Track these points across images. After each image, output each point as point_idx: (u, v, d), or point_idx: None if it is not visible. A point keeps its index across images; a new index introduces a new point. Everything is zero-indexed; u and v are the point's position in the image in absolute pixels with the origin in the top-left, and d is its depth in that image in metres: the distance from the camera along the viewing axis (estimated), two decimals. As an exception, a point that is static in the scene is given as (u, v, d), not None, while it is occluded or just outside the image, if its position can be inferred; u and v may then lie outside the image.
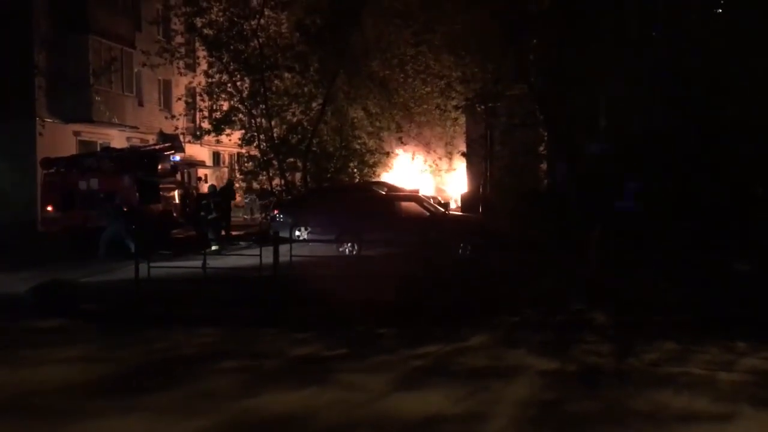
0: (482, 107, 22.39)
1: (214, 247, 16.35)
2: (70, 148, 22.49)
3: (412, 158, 31.55)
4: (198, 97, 25.62)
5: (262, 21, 23.02)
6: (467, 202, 23.57)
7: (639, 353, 7.58)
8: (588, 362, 7.33)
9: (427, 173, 31.40)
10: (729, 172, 14.47)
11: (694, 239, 13.56)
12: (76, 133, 23.93)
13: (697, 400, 6.05)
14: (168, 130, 27.46)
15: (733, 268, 12.45)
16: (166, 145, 22.93)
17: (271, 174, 23.88)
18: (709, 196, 14.42)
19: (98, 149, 22.74)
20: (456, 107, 23.74)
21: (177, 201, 19.30)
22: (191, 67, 27.59)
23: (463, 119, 25.87)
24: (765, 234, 13.38)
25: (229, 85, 23.54)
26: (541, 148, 21.07)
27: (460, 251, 15.28)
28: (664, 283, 11.11)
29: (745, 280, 11.52)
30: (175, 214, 18.88)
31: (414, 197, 17.87)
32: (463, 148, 25.88)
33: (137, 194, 17.23)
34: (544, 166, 21.69)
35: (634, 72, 15.59)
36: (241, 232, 21.42)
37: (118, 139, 25.32)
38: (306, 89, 24.04)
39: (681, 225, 14.08)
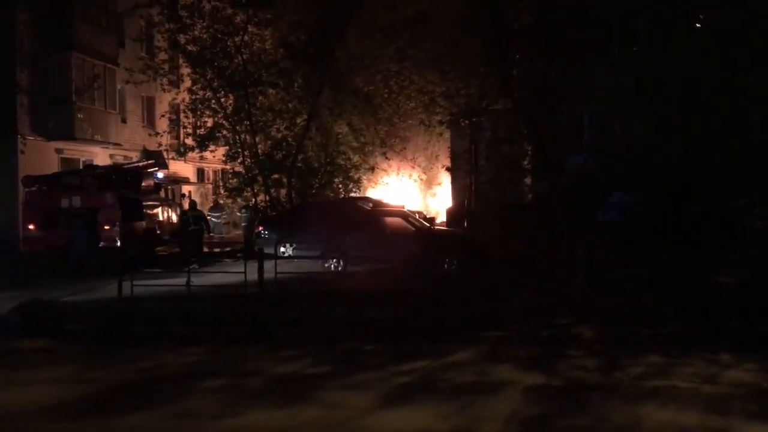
0: (466, 122, 22.51)
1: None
2: (52, 166, 22.30)
3: (398, 173, 31.57)
4: (182, 114, 25.56)
5: (245, 37, 23.02)
6: (453, 217, 23.62)
7: (625, 367, 7.59)
8: (574, 377, 7.32)
9: (412, 188, 31.46)
10: (711, 185, 14.59)
11: (678, 252, 13.64)
12: (59, 151, 23.75)
13: (682, 414, 6.05)
14: (152, 146, 27.31)
15: (716, 280, 12.53)
16: (150, 162, 22.83)
17: (255, 190, 23.81)
18: (693, 209, 14.52)
19: (81, 167, 22.59)
20: (440, 122, 23.84)
21: (161, 218, 19.19)
22: (175, 84, 27.53)
23: (447, 134, 25.98)
24: (748, 246, 13.49)
25: (213, 101, 23.49)
26: (526, 163, 21.17)
27: (445, 266, 15.28)
28: (649, 297, 11.15)
29: (728, 293, 11.58)
30: (159, 231, 18.75)
31: (399, 212, 17.87)
32: (448, 162, 25.98)
33: (120, 212, 17.09)
34: (528, 180, 21.80)
35: (616, 88, 15.75)
36: (227, 249, 21.34)
37: (101, 156, 25.17)
38: (290, 105, 24.02)
39: (665, 238, 14.16)
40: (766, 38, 13.81)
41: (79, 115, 23.35)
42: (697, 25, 15.47)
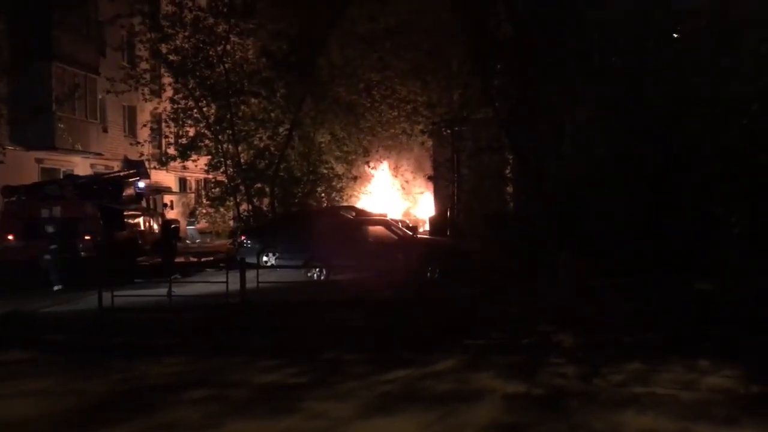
0: (448, 131, 22.65)
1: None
2: (32, 176, 22.14)
3: (381, 183, 31.67)
4: (163, 123, 25.48)
5: (227, 47, 23.04)
6: (435, 226, 23.72)
7: (605, 374, 7.65)
8: (554, 384, 7.37)
9: (395, 197, 31.55)
10: (690, 193, 14.76)
11: (658, 260, 13.78)
12: (39, 161, 23.58)
13: (661, 420, 6.12)
14: (133, 156, 27.11)
15: (696, 288, 12.67)
16: (131, 171, 22.67)
17: (238, 199, 23.77)
18: (672, 217, 14.68)
19: (61, 176, 22.42)
20: (422, 131, 23.97)
21: (143, 228, 19.07)
22: (156, 93, 27.46)
23: (429, 143, 26.11)
24: (726, 254, 13.65)
25: (195, 110, 23.46)
26: (507, 171, 21.31)
27: (428, 275, 15.33)
28: (629, 305, 11.26)
29: (707, 300, 11.72)
30: (140, 242, 18.64)
31: (382, 221, 17.92)
32: (430, 171, 26.10)
33: (101, 222, 16.98)
34: (510, 189, 21.93)
35: (597, 99, 15.90)
36: (210, 258, 21.25)
37: (81, 166, 25.02)
38: (273, 114, 24.05)
39: (645, 246, 14.30)
40: (745, 47, 14.04)
41: (59, 125, 23.21)
42: (675, 35, 15.69)
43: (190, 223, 26.26)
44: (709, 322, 9.90)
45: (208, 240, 27.89)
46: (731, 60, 14.00)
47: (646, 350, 8.64)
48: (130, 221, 18.50)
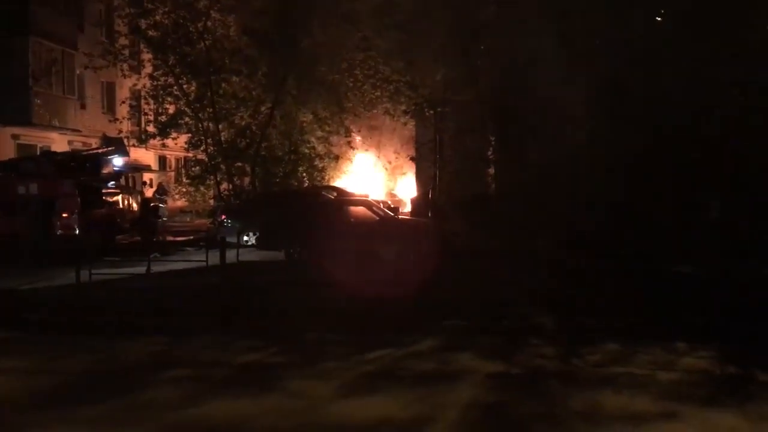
0: (431, 112, 22.59)
1: None
2: (8, 152, 21.79)
3: (363, 163, 31.58)
4: (143, 100, 25.14)
5: (208, 23, 22.72)
6: (417, 207, 23.72)
7: (583, 355, 7.73)
8: (534, 365, 7.43)
9: (377, 178, 31.49)
10: (670, 179, 14.90)
11: (639, 244, 13.92)
12: (15, 137, 23.18)
13: (637, 399, 6.20)
14: (112, 133, 26.83)
15: (674, 271, 12.82)
16: (110, 149, 22.42)
17: (219, 178, 23.59)
18: (652, 202, 14.81)
19: (38, 153, 22.09)
20: (405, 112, 23.88)
21: (122, 206, 18.89)
22: (136, 70, 27.07)
23: (412, 124, 26.03)
24: (703, 238, 13.83)
25: (175, 87, 23.16)
26: (489, 153, 21.34)
27: (410, 256, 15.34)
28: (609, 287, 11.36)
29: (685, 283, 11.86)
30: (119, 220, 18.46)
31: (363, 202, 17.88)
32: (413, 152, 26.05)
33: (79, 200, 16.77)
34: (492, 170, 21.98)
35: (579, 83, 15.93)
36: (190, 237, 21.11)
37: (59, 142, 24.63)
38: (254, 93, 23.82)
39: (626, 230, 14.44)
40: (725, 34, 14.12)
41: (36, 101, 22.81)
42: (657, 18, 15.73)
43: (160, 201, 26.05)
44: (686, 305, 10.03)
45: (188, 219, 27.67)
46: (714, 46, 14.08)
47: (624, 332, 8.73)
48: (109, 199, 18.30)
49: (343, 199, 19.55)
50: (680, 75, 14.40)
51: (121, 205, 18.91)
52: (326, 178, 27.02)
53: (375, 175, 32.71)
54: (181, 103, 23.34)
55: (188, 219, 27.73)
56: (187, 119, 23.44)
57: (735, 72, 13.74)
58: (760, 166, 13.68)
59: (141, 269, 13.64)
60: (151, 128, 24.42)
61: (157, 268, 13.81)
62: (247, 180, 24.24)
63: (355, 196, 21.72)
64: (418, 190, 26.10)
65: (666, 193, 14.79)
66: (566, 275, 12.14)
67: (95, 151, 21.59)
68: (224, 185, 23.65)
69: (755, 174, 13.81)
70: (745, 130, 13.93)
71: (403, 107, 23.89)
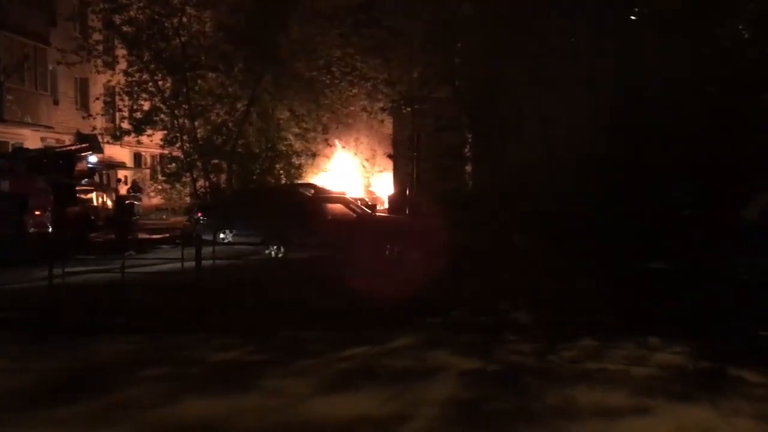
0: (408, 109, 22.61)
1: None
2: (-21, 149, 21.45)
3: (341, 160, 31.53)
4: (117, 97, 24.84)
5: (184, 19, 22.54)
6: (394, 204, 23.77)
7: (559, 351, 7.80)
8: (509, 361, 7.49)
9: (355, 175, 31.47)
10: (647, 175, 15.04)
11: (616, 241, 14.03)
12: (-14, 133, 22.85)
13: (611, 395, 6.27)
14: (86, 130, 26.52)
15: (649, 268, 12.95)
16: (84, 145, 22.17)
17: (195, 176, 23.41)
18: (629, 199, 14.94)
19: (10, 150, 21.76)
20: (382, 109, 23.88)
21: (96, 204, 18.68)
22: (110, 65, 26.71)
23: (389, 121, 26.04)
24: (679, 235, 13.98)
25: (150, 84, 22.94)
26: (467, 151, 21.40)
27: (387, 253, 15.35)
28: (585, 284, 11.46)
29: (660, 279, 11.99)
30: (93, 218, 18.26)
31: (340, 199, 17.87)
32: (390, 150, 26.06)
33: (52, 197, 16.55)
34: (469, 168, 22.05)
35: (556, 80, 16.02)
36: (166, 235, 20.93)
37: (31, 139, 24.30)
38: (230, 90, 23.68)
39: (603, 227, 14.54)
40: (702, 30, 14.28)
41: (7, 96, 22.49)
42: (632, 17, 15.87)
43: (135, 198, 25.80)
44: (661, 301, 10.14)
45: (164, 216, 27.44)
46: (691, 41, 14.23)
47: (599, 328, 8.81)
48: (83, 196, 18.09)
49: (320, 196, 19.50)
50: (656, 73, 14.54)
51: (95, 203, 18.72)
52: (304, 175, 26.95)
53: (352, 173, 32.67)
54: (157, 99, 23.13)
55: (164, 216, 27.50)
56: (162, 116, 23.23)
57: (709, 71, 13.91)
58: (733, 164, 13.86)
59: (115, 267, 13.49)
60: (125, 125, 24.16)
61: (132, 266, 13.66)
62: (223, 177, 24.10)
63: (333, 193, 21.69)
64: (396, 188, 26.13)
65: (645, 189, 14.93)
66: (543, 272, 12.21)
67: (68, 148, 21.32)
68: (200, 182, 23.48)
69: (728, 171, 13.99)
70: (721, 128, 14.10)
71: (381, 104, 23.89)
